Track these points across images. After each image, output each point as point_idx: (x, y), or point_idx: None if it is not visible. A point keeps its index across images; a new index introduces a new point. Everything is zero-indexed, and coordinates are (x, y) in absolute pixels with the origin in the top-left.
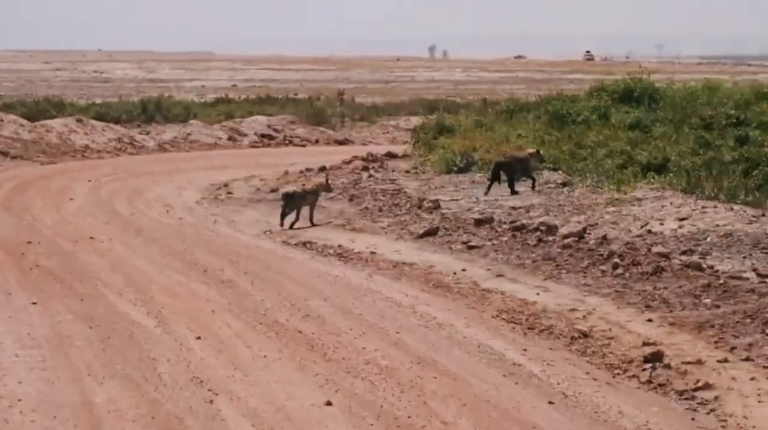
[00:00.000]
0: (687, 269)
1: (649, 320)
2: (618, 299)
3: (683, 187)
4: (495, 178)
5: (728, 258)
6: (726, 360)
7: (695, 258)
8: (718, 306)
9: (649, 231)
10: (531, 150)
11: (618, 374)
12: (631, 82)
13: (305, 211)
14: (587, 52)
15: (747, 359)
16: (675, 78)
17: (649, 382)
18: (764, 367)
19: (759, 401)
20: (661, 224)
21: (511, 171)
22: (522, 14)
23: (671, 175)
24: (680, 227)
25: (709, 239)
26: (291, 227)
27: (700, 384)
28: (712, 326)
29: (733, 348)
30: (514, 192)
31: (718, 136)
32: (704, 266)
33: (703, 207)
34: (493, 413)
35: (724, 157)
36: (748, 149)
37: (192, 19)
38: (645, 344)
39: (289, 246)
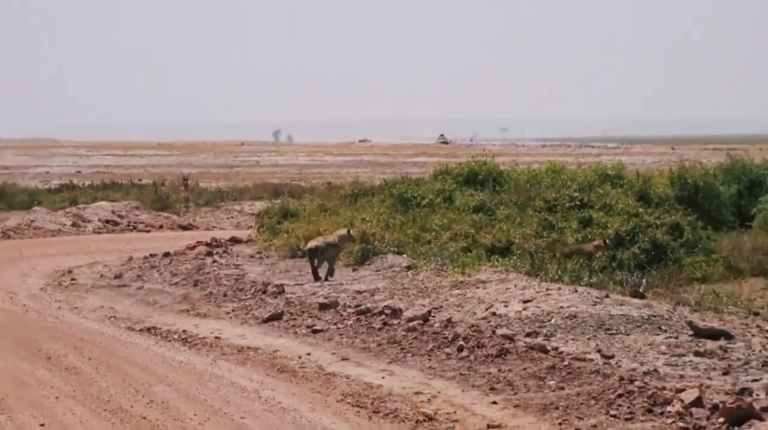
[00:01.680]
0: (531, 351)
1: (494, 403)
2: (463, 382)
3: (527, 269)
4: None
5: (573, 340)
6: None
7: (540, 340)
8: (562, 388)
9: (494, 313)
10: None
11: None
12: (475, 165)
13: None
14: (441, 135)
15: None
16: (519, 160)
17: None
18: None
19: None
20: (506, 307)
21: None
22: (365, 99)
23: (515, 257)
24: (524, 309)
25: (553, 321)
26: (326, 279)
27: None
28: (557, 408)
29: (577, 429)
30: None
31: (561, 218)
32: (549, 347)
33: (547, 289)
34: None
35: (567, 239)
36: (592, 231)
37: (32, 105)
38: (489, 426)
39: (133, 331)
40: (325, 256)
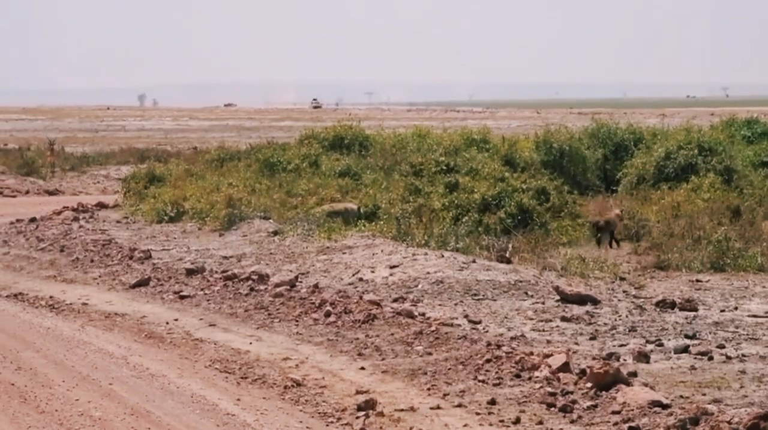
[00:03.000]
0: (399, 317)
1: (362, 368)
2: (331, 348)
3: (394, 234)
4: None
5: (440, 305)
6: (439, 407)
7: (407, 305)
8: (430, 353)
9: (361, 279)
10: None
11: (332, 422)
12: (341, 129)
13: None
14: (314, 99)
15: (459, 406)
16: (385, 125)
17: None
18: (477, 413)
19: None
20: (373, 272)
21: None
22: (231, 62)
23: (382, 222)
24: (391, 274)
25: (420, 286)
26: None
27: None
28: (425, 374)
29: (445, 395)
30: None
31: (428, 183)
32: (416, 313)
33: (414, 254)
34: None
35: (434, 204)
36: (458, 196)
37: None
38: (358, 392)
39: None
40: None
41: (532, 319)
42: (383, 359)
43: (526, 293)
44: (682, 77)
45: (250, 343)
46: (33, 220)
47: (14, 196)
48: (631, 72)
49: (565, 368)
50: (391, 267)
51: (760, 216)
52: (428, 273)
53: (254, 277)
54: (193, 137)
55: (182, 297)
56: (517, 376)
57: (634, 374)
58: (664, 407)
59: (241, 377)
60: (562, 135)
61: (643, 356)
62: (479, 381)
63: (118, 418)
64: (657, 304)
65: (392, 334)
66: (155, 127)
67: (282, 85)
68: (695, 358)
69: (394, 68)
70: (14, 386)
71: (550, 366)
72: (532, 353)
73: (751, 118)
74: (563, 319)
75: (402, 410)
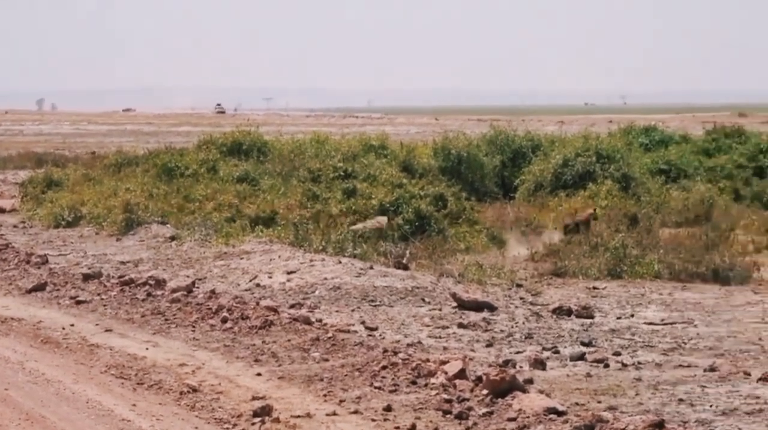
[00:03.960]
0: (296, 323)
1: (259, 374)
2: (227, 354)
3: (291, 240)
4: None
5: (337, 311)
6: (335, 413)
7: (304, 311)
8: (326, 359)
9: (258, 284)
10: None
11: (228, 428)
12: (239, 134)
13: None
14: (218, 104)
15: (355, 412)
16: (283, 130)
17: None
18: (372, 419)
19: None
20: (270, 278)
21: None
22: (131, 68)
23: (279, 228)
24: (289, 280)
25: (317, 292)
26: None
27: None
28: (321, 380)
29: (341, 401)
30: None
31: (326, 188)
32: (313, 319)
33: (312, 260)
34: None
35: (332, 210)
36: (356, 202)
37: None
38: (254, 398)
39: None
40: None
41: (428, 325)
42: (280, 366)
43: (423, 300)
44: (580, 85)
45: (147, 348)
46: None
47: None
48: (529, 79)
49: (461, 374)
50: (289, 273)
51: (657, 223)
52: (325, 279)
53: (151, 282)
54: (91, 142)
55: (79, 302)
56: (413, 382)
57: (530, 381)
58: (560, 414)
59: (137, 383)
60: (460, 142)
61: (539, 363)
62: (375, 388)
63: (13, 423)
64: (554, 311)
65: (289, 340)
66: (53, 131)
67: (180, 89)
68: (591, 365)
69: (293, 74)
70: None
71: (446, 373)
72: (428, 360)
73: (649, 125)
74: (460, 325)
75: (298, 416)
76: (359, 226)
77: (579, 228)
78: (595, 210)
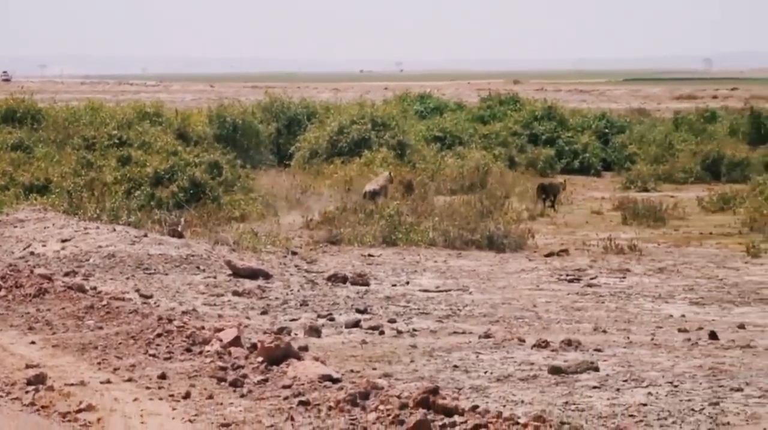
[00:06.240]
0: (70, 291)
1: (33, 343)
2: (1, 322)
3: (65, 208)
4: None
5: (111, 279)
6: (109, 381)
7: (78, 279)
8: (101, 327)
9: (32, 253)
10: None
11: (1, 396)
12: (13, 102)
13: None
14: (4, 72)
15: (130, 380)
16: (58, 98)
17: (32, 404)
18: (147, 387)
19: (142, 422)
20: (44, 246)
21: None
22: None
23: (54, 196)
24: (63, 248)
25: (92, 260)
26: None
27: (83, 406)
28: (96, 348)
29: (116, 369)
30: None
31: (100, 156)
32: (87, 287)
33: (86, 228)
34: None
35: (106, 178)
36: (131, 170)
37: None
38: (28, 366)
39: None
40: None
41: (203, 293)
42: (54, 334)
43: (198, 268)
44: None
45: None
46: None
47: None
48: (308, 48)
49: (236, 342)
50: (63, 241)
51: (432, 191)
52: (100, 247)
53: None
54: None
55: None
56: (188, 350)
57: (305, 349)
58: (335, 381)
59: None
60: (235, 109)
61: (314, 331)
62: (150, 355)
63: None
64: (329, 278)
65: (63, 308)
66: None
67: None
68: (366, 332)
69: (68, 41)
70: None
71: (221, 340)
72: (203, 328)
73: (424, 93)
74: (235, 293)
75: (72, 384)
76: (372, 186)
77: (553, 189)
78: (565, 181)
